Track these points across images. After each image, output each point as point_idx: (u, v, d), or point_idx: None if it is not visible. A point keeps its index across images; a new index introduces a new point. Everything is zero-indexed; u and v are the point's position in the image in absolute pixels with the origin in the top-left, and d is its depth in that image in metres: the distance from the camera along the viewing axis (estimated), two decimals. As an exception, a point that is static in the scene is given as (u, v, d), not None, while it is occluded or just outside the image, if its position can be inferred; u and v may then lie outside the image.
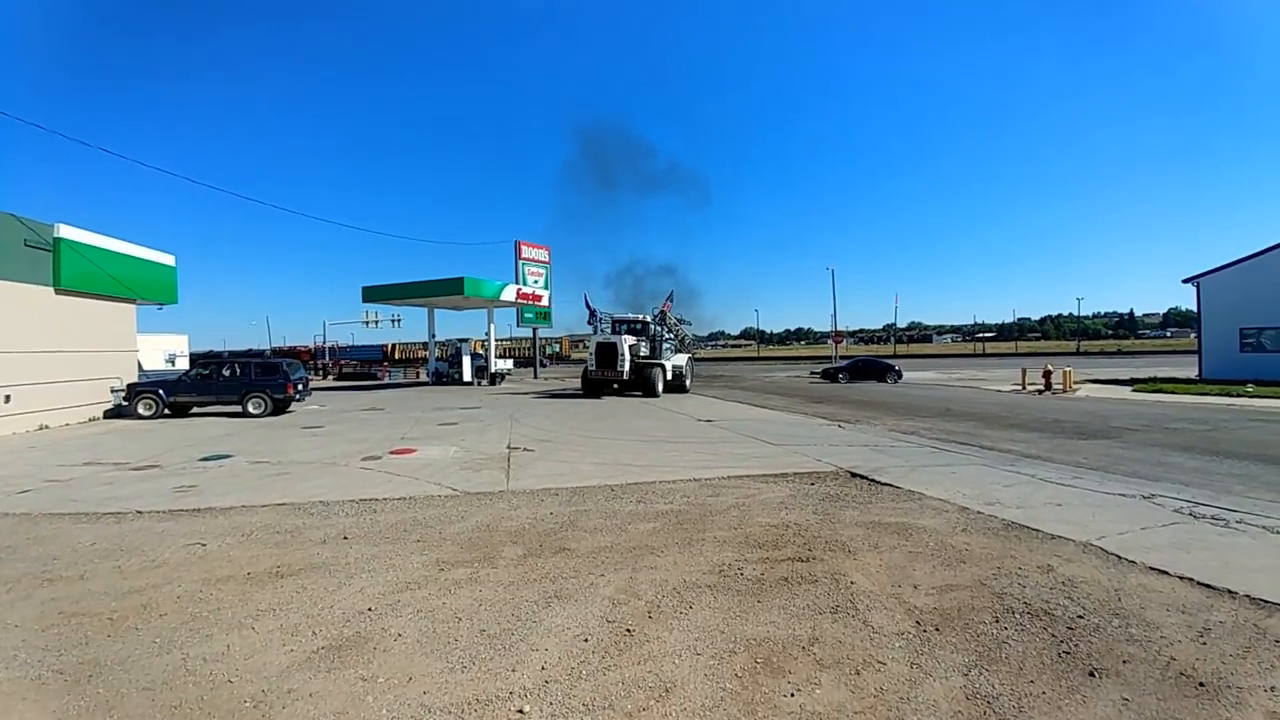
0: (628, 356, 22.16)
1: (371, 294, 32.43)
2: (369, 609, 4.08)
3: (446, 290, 28.88)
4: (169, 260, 19.58)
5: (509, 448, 10.98)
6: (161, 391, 16.65)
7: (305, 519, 6.47)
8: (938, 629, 3.65)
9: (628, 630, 3.70)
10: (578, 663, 3.32)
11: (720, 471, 8.52)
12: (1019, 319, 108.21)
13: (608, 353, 22.37)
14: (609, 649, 3.47)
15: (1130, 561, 4.77)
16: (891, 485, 7.54)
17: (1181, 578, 4.41)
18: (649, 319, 25.08)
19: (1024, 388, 22.97)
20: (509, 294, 31.96)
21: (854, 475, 8.21)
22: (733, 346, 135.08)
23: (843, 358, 40.70)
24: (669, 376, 23.52)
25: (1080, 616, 3.83)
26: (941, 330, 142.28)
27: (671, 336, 26.36)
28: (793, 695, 2.99)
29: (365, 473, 8.95)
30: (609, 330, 24.31)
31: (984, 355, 69.36)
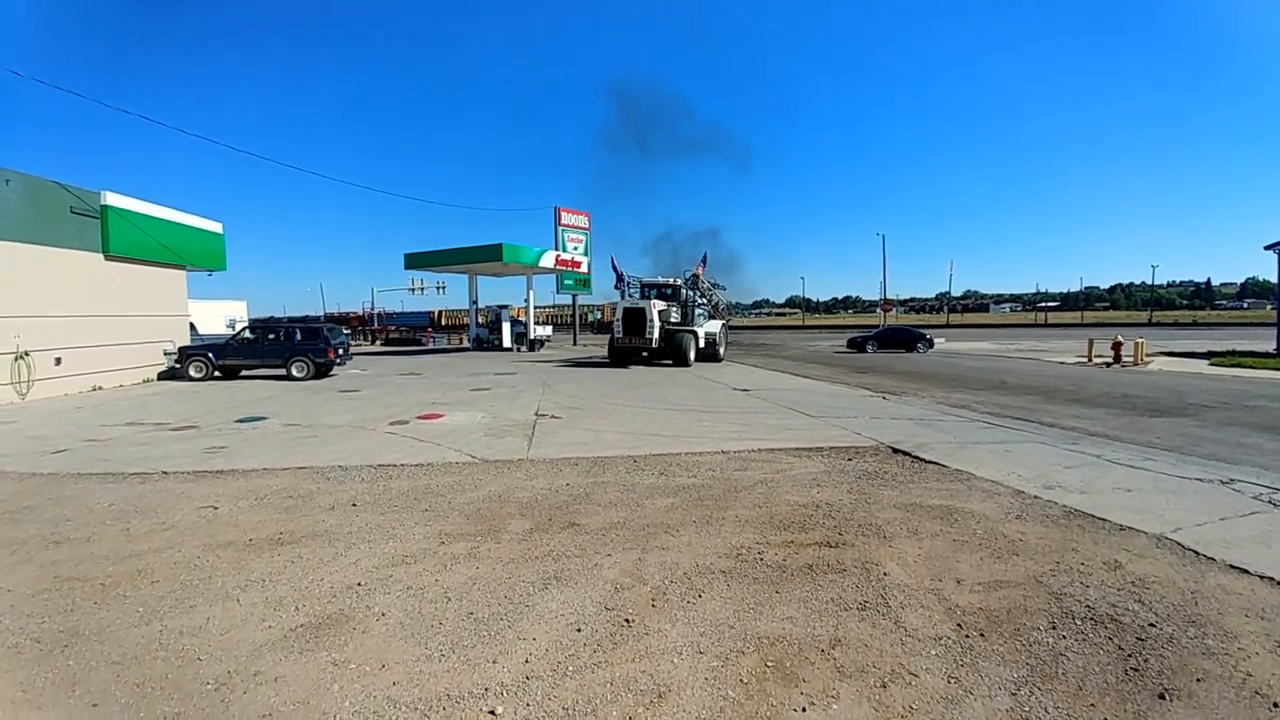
0: (657, 323, 20.66)
1: (413, 261, 32.70)
2: (359, 583, 3.87)
3: (485, 257, 28.79)
4: (217, 228, 20.01)
5: (536, 414, 10.77)
6: (211, 354, 17.18)
7: (320, 484, 6.38)
8: (983, 635, 3.17)
9: (626, 620, 3.35)
10: (565, 656, 3.00)
11: (751, 444, 8.06)
12: (1086, 288, 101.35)
13: (635, 319, 20.90)
14: (603, 641, 3.14)
15: (1209, 558, 4.15)
16: (937, 463, 6.95)
17: (1262, 577, 3.84)
18: (679, 283, 23.43)
19: (1090, 360, 21.38)
20: (548, 260, 31.68)
21: (895, 451, 7.63)
22: (777, 314, 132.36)
23: (885, 326, 39.05)
24: (701, 344, 22.10)
25: (1152, 624, 3.28)
26: (1000, 299, 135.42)
27: (704, 302, 24.80)
28: (804, 710, 2.59)
29: (390, 438, 8.88)
30: (637, 295, 22.91)
31: (1046, 325, 65.53)
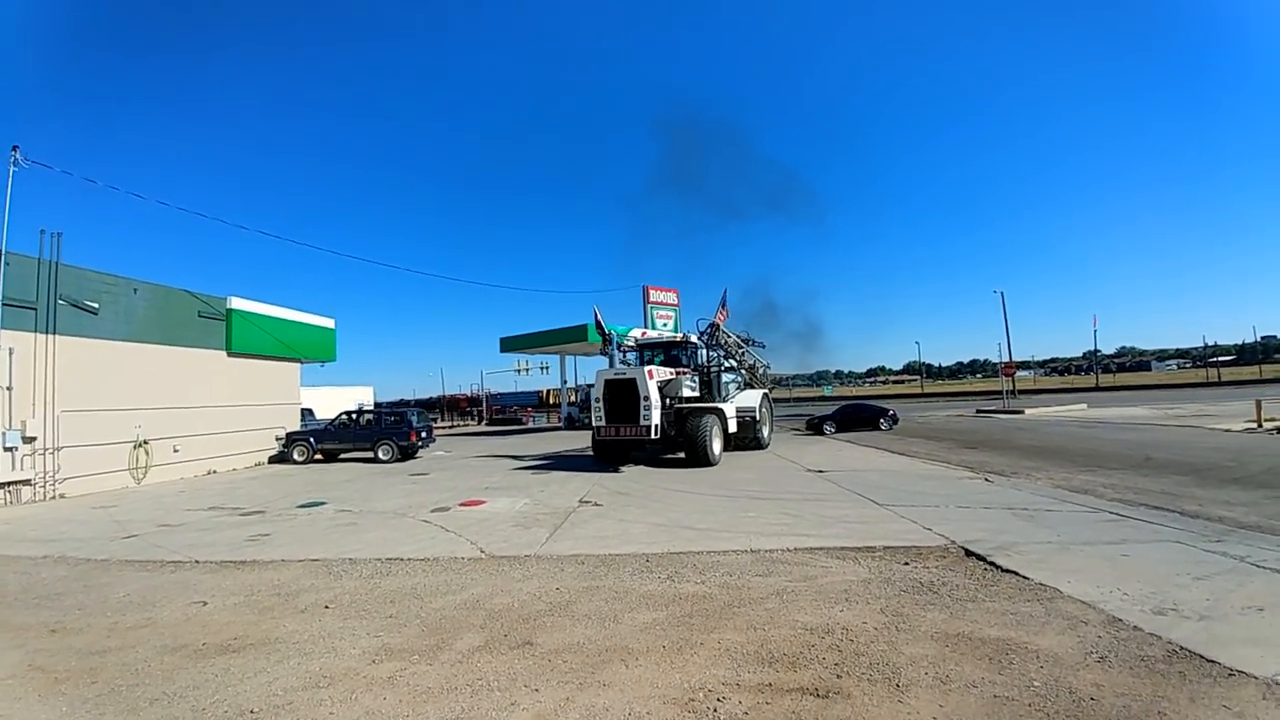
0: (655, 401, 13.63)
1: (509, 344, 34.53)
2: (253, 710, 3.49)
3: (572, 337, 29.73)
4: (329, 323, 22.29)
5: (580, 501, 10.30)
6: (312, 439, 18.63)
7: (318, 579, 6.26)
8: None
9: (496, 795, 2.66)
10: None
11: (790, 541, 7.01)
12: (1263, 338, 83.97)
13: (624, 396, 13.87)
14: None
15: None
16: (1015, 573, 5.55)
17: None
18: (692, 339, 16.93)
19: (1260, 425, 17.49)
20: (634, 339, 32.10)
21: (969, 554, 6.26)
22: (894, 382, 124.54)
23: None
24: (731, 427, 15.54)
25: None
26: (1164, 355, 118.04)
27: (733, 365, 18.32)
28: None
29: (421, 526, 8.78)
30: (636, 361, 15.87)
31: (1219, 384, 55.67)
